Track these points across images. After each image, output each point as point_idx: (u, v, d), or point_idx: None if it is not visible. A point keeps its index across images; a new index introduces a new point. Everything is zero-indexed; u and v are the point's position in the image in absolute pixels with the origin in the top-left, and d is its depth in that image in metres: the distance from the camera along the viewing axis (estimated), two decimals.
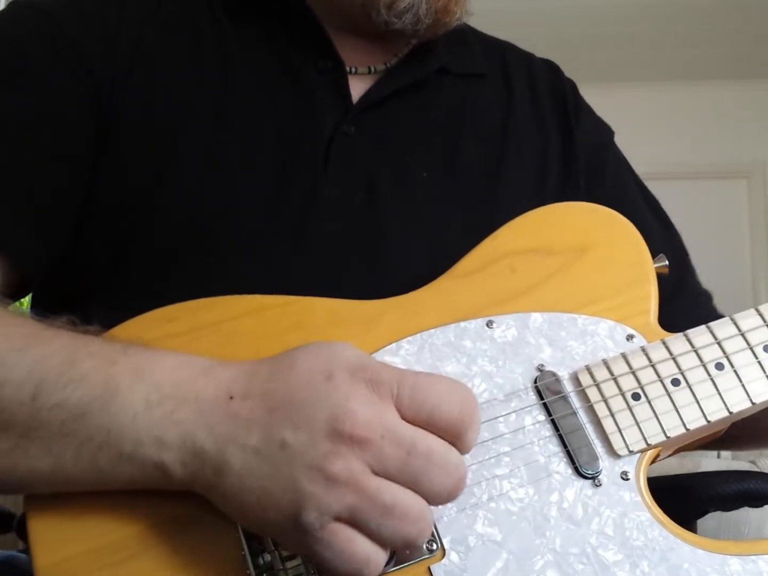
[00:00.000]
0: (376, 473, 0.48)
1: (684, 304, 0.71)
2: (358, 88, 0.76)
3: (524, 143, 0.81)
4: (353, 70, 0.77)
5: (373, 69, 0.78)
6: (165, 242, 0.68)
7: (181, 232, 0.68)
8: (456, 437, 0.50)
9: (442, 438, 0.49)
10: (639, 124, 3.54)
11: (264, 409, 0.49)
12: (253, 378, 0.51)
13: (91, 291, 0.69)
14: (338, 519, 0.47)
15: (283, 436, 0.48)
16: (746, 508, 0.73)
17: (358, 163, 0.73)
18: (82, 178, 0.69)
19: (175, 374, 0.51)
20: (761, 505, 0.73)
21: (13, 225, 0.66)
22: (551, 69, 0.90)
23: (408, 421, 0.49)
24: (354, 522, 0.47)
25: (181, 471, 0.50)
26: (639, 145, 3.42)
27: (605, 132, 0.89)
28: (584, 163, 0.82)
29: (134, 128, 0.69)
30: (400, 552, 0.52)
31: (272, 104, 0.73)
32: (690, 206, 3.53)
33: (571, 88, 0.88)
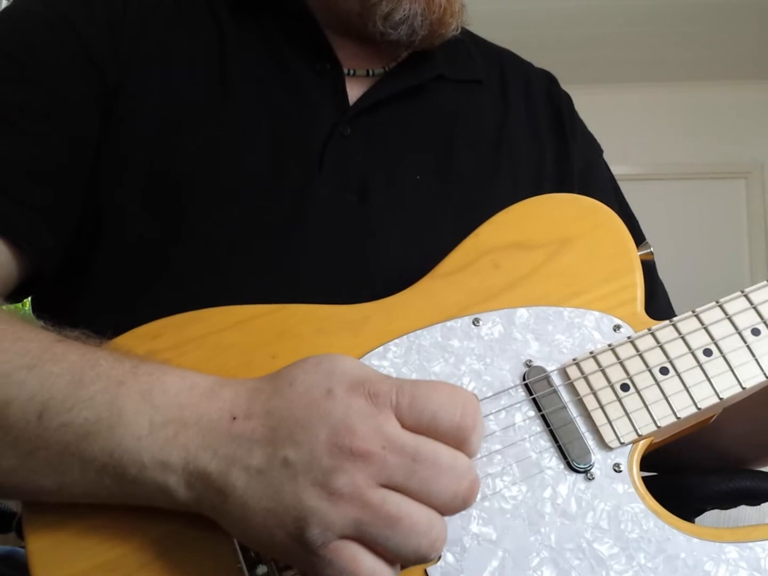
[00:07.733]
0: (383, 485, 0.47)
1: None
2: (355, 90, 0.77)
3: (518, 150, 0.81)
4: (352, 72, 0.78)
5: (371, 72, 0.79)
6: (157, 239, 0.68)
7: (173, 229, 0.68)
8: (461, 442, 0.48)
9: (447, 444, 0.48)
10: (639, 124, 3.52)
11: (266, 428, 0.48)
12: (254, 397, 0.50)
13: (88, 289, 0.69)
14: (344, 536, 0.46)
15: (285, 455, 0.47)
16: (744, 507, 0.72)
17: (353, 164, 0.73)
18: (87, 170, 0.69)
19: (179, 398, 0.51)
20: (759, 503, 0.71)
21: (24, 216, 0.66)
22: (549, 79, 0.90)
23: (410, 430, 0.48)
24: (360, 538, 0.46)
25: (186, 493, 0.50)
26: (638, 146, 3.43)
27: (596, 151, 0.89)
28: (577, 181, 0.82)
29: (131, 122, 0.70)
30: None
31: (269, 104, 0.73)
32: (688, 206, 3.52)
33: (567, 101, 0.88)
